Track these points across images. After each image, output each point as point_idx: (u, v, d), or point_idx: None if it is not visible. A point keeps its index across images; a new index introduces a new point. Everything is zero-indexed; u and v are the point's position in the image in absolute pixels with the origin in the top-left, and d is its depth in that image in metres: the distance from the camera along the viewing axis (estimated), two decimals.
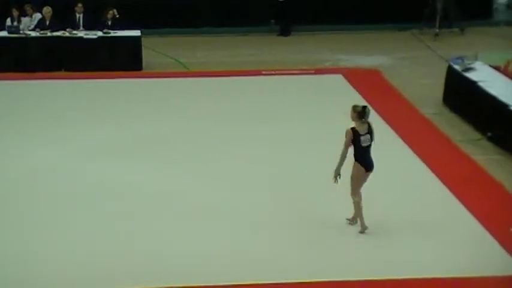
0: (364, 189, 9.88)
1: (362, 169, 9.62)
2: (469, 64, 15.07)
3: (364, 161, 9.61)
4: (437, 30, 20.68)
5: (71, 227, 10.05)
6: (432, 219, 10.15)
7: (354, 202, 9.80)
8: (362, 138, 9.56)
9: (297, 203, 10.73)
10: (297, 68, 17.49)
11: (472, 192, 10.96)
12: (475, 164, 12.12)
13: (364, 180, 9.73)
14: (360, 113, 9.58)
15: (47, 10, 17.82)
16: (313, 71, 17.37)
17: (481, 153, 12.63)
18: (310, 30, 21.21)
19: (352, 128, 9.56)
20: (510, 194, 11.07)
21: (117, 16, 17.91)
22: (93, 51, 17.55)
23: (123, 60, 17.53)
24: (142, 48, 17.79)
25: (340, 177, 9.59)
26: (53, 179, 11.57)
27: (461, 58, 15.37)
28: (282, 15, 21.35)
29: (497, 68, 15.27)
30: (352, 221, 9.96)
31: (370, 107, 9.78)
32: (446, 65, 15.73)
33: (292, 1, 21.08)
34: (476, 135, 13.54)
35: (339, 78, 16.74)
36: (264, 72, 17.17)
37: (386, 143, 13.03)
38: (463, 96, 14.62)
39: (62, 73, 17.28)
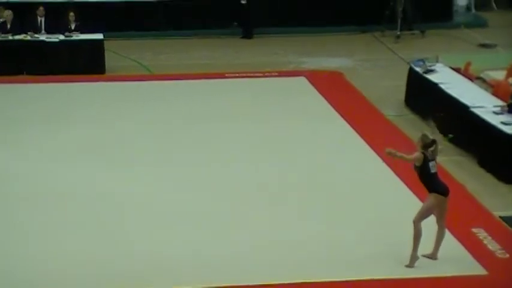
0: (328, 193, 9.83)
1: (441, 197, 9.00)
2: (430, 66, 15.24)
3: (439, 188, 9.05)
4: (398, 33, 20.85)
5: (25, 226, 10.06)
6: (395, 219, 10.24)
7: (414, 230, 9.04)
8: (430, 164, 9.00)
9: (264, 204, 10.80)
10: (261, 71, 17.53)
11: None
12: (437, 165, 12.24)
13: (445, 207, 9.09)
14: (427, 145, 9.00)
15: (8, 13, 17.66)
16: (276, 74, 17.42)
17: (442, 154, 12.71)
18: (273, 32, 21.27)
19: (423, 153, 8.98)
20: (471, 194, 11.22)
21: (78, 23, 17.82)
22: (55, 55, 17.44)
23: (86, 63, 17.43)
24: (105, 51, 17.72)
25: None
26: (12, 182, 11.50)
27: (423, 60, 15.54)
28: (245, 18, 21.39)
29: (457, 70, 15.46)
30: (412, 263, 9.17)
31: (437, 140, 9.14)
32: (408, 67, 15.88)
33: (254, 3, 21.13)
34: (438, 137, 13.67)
35: (303, 80, 16.81)
36: (227, 75, 17.18)
37: (349, 145, 13.20)
38: (424, 98, 14.77)
39: (24, 77, 17.12)
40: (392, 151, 9.15)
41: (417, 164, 8.99)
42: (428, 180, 9.02)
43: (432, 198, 9.04)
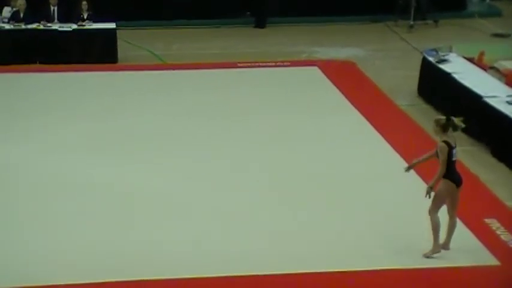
0: (340, 183, 9.77)
1: (452, 185, 8.92)
2: (443, 56, 15.20)
3: (453, 176, 8.92)
4: (411, 22, 20.77)
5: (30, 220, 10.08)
6: (408, 210, 10.24)
7: (431, 221, 9.00)
8: (453, 151, 8.85)
9: (274, 197, 10.79)
10: (273, 60, 17.50)
11: None
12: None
13: (457, 197, 9.04)
14: (445, 126, 8.86)
15: (21, 2, 17.66)
16: (289, 63, 17.39)
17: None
18: (285, 22, 21.21)
19: (446, 142, 8.81)
20: (483, 184, 11.19)
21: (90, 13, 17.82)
22: (68, 44, 17.45)
23: (98, 52, 17.45)
24: (118, 40, 17.74)
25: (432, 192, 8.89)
26: (24, 173, 11.53)
27: (436, 50, 15.50)
28: (258, 7, 21.35)
29: (471, 60, 15.41)
30: (432, 253, 9.14)
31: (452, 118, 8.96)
32: (421, 57, 15.84)
33: None
34: None
35: (315, 70, 16.78)
36: (239, 65, 17.16)
37: (362, 134, 13.19)
38: (437, 87, 14.74)
39: (37, 66, 17.14)
40: (415, 162, 9.00)
41: (446, 156, 8.80)
42: (447, 167, 8.86)
43: (443, 184, 8.93)
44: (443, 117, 8.96)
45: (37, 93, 15.27)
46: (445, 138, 8.88)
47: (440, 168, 8.83)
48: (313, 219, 10.05)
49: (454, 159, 8.91)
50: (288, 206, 10.44)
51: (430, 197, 8.91)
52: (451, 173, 8.94)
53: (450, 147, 8.83)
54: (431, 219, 9.00)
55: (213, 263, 9.00)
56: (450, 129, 8.90)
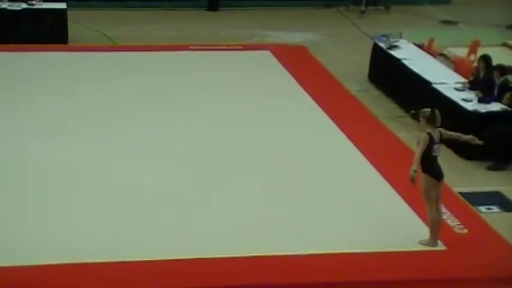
0: (291, 168, 9.74)
1: (432, 180, 8.82)
2: (394, 42, 15.35)
3: (433, 170, 8.84)
4: (363, 8, 20.92)
5: None
6: (356, 195, 10.33)
7: (428, 218, 9.04)
8: (435, 146, 8.79)
9: (219, 181, 10.81)
10: (225, 44, 17.48)
11: (395, 169, 11.13)
12: (399, 141, 12.37)
13: (440, 191, 8.97)
14: (430, 118, 8.79)
15: None
16: (241, 47, 17.38)
17: (404, 130, 12.90)
18: (238, 5, 21.21)
19: (429, 133, 8.74)
20: None
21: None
22: (17, 23, 17.22)
23: (48, 33, 17.23)
24: (68, 21, 17.54)
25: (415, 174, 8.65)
26: None
27: (386, 36, 15.64)
28: None
29: (421, 46, 15.59)
30: (428, 243, 9.12)
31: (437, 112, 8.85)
32: (372, 43, 15.97)
33: None
34: (400, 112, 13.82)
35: (267, 54, 16.79)
36: (191, 48, 17.10)
37: (312, 119, 13.25)
38: (387, 73, 14.89)
39: None
40: (413, 173, 8.69)
41: (424, 146, 8.75)
42: (426, 162, 8.81)
43: (424, 179, 8.86)
44: (428, 110, 8.87)
45: None
46: (429, 130, 8.81)
47: (416, 154, 8.72)
48: (262, 204, 10.06)
49: (434, 154, 8.83)
50: (238, 191, 10.42)
51: (414, 182, 8.73)
52: (431, 167, 8.85)
53: (432, 140, 8.78)
54: (428, 216, 9.01)
55: (169, 245, 8.96)
56: (435, 123, 8.83)
